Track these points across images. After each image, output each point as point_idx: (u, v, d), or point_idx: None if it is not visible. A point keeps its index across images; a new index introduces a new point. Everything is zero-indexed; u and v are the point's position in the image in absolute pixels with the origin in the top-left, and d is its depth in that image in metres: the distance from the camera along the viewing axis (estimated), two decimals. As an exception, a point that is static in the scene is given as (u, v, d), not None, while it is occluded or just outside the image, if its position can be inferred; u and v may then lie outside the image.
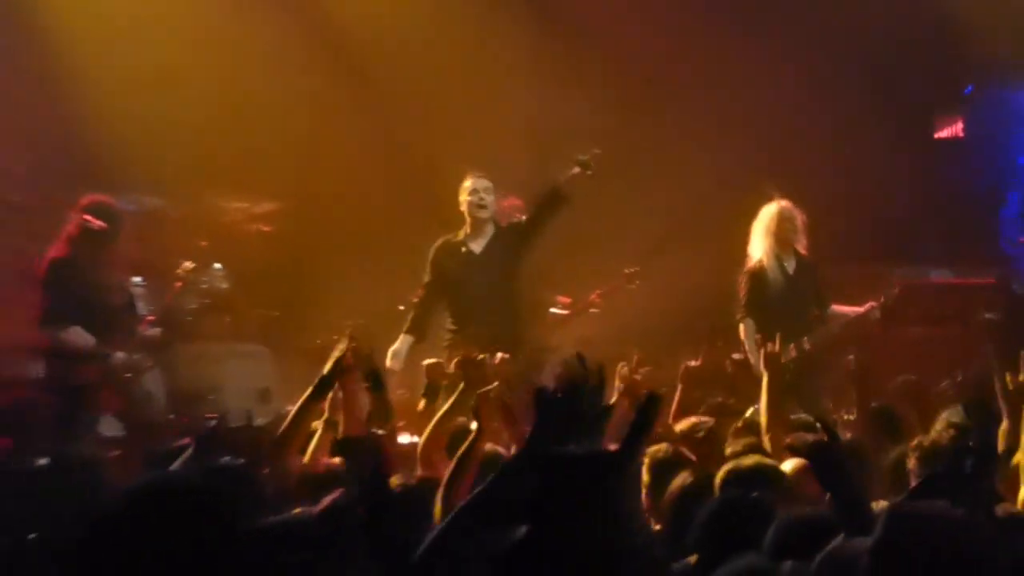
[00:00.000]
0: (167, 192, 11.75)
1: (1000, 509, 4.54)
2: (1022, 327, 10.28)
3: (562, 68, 11.87)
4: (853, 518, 3.70)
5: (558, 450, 3.14)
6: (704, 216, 11.06)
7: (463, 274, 9.06)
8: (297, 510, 4.71)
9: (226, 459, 4.94)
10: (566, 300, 10.60)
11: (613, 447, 3.22)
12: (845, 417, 9.21)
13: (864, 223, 10.99)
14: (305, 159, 12.22)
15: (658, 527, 4.96)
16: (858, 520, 3.66)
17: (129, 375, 8.86)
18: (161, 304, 9.77)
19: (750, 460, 4.92)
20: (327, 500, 4.18)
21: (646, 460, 5.20)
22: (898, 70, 11.84)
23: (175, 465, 5.03)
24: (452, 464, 4.93)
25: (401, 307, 9.52)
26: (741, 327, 9.00)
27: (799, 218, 9.05)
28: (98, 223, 8.64)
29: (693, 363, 7.06)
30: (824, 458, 3.92)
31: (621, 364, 6.17)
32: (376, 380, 5.91)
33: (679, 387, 7.00)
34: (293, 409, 5.82)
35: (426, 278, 9.18)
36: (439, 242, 9.21)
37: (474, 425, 5.35)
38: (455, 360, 6.52)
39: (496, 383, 5.73)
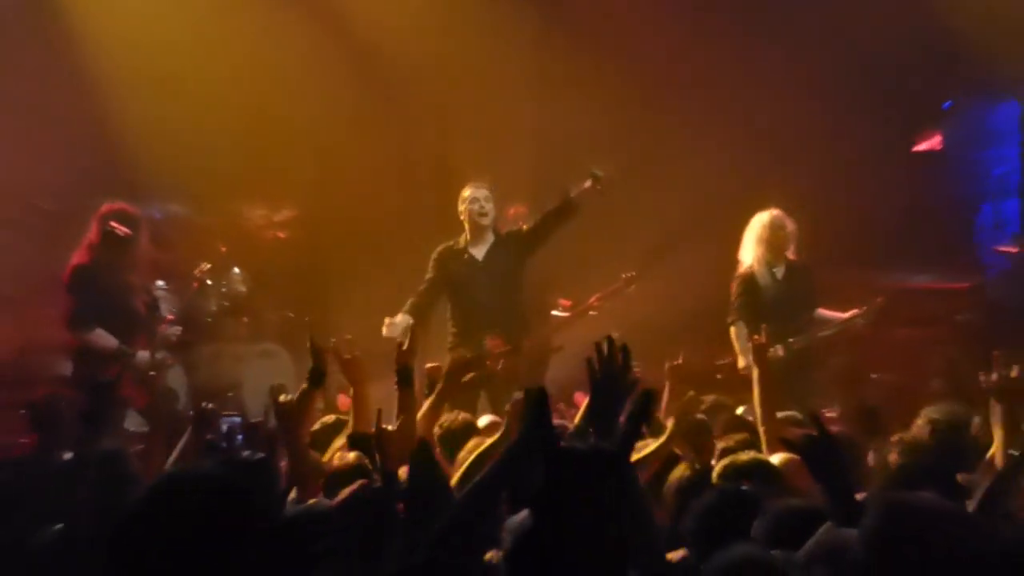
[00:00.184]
0: (191, 201, 11.79)
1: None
2: (995, 329, 10.29)
3: (565, 77, 11.86)
4: (844, 509, 3.69)
5: (563, 445, 3.11)
6: (701, 221, 11.03)
7: (467, 279, 8.99)
8: (312, 500, 4.70)
9: (247, 453, 4.91)
10: (566, 303, 10.56)
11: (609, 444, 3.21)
12: (828, 414, 9.17)
13: (850, 231, 10.98)
14: (321, 169, 12.24)
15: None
16: (849, 511, 3.65)
17: (152, 373, 8.90)
18: (181, 304, 9.85)
19: (746, 456, 4.93)
20: (347, 491, 4.15)
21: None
22: (883, 88, 11.84)
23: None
24: (465, 462, 4.90)
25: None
26: (732, 330, 8.98)
27: (789, 226, 9.02)
28: (124, 229, 8.71)
29: (678, 361, 7.03)
30: (818, 452, 3.90)
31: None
32: (406, 376, 5.73)
33: (667, 385, 6.98)
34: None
35: (429, 275, 9.12)
36: (440, 248, 9.14)
37: (483, 421, 5.32)
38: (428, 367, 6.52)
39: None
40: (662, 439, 5.00)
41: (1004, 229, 12.75)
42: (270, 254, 11.92)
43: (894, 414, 7.04)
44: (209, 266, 10.10)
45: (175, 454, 5.65)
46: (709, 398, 6.42)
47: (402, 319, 8.74)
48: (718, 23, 11.80)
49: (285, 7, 11.65)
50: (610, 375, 3.65)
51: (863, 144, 11.78)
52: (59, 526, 4.82)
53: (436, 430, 5.95)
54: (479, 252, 9.04)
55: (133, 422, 9.03)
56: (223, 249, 11.20)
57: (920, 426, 5.73)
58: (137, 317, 8.88)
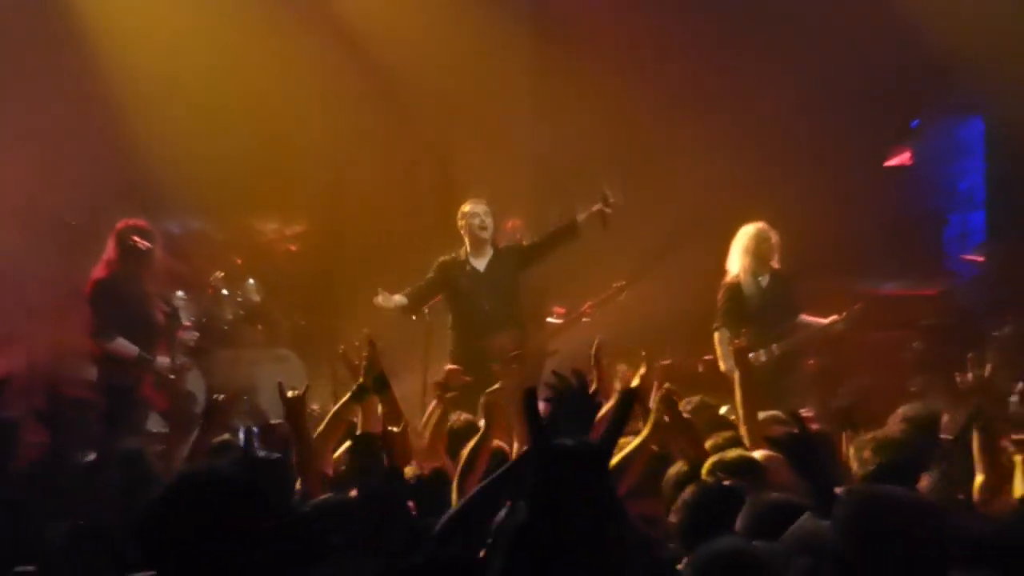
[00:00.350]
0: (209, 216, 11.82)
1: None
2: (963, 333, 10.29)
3: (562, 95, 11.88)
4: (825, 502, 3.68)
5: (554, 443, 3.09)
6: (690, 233, 11.05)
7: (470, 289, 9.01)
8: (323, 496, 4.68)
9: (263, 453, 4.90)
10: (560, 310, 10.58)
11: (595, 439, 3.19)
12: (805, 414, 9.15)
13: (829, 242, 11.01)
14: (330, 186, 12.28)
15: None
16: (830, 504, 3.64)
17: (172, 377, 8.95)
18: (199, 312, 9.93)
19: (733, 453, 4.90)
20: (361, 488, 4.12)
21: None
22: (858, 108, 11.88)
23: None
24: (462, 459, 4.89)
25: (414, 317, 9.45)
26: (716, 335, 8.97)
27: (774, 238, 9.04)
28: (143, 243, 8.74)
29: (665, 362, 7.01)
30: (800, 449, 3.89)
31: (620, 365, 6.14)
32: (381, 383, 5.76)
33: (655, 385, 6.96)
34: (331, 412, 5.80)
35: (429, 275, 9.13)
36: (443, 258, 9.15)
37: (482, 423, 5.31)
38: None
39: (498, 385, 5.68)
40: (643, 434, 4.93)
41: (970, 239, 12.80)
42: (283, 265, 11.98)
43: (868, 412, 7.02)
44: (223, 274, 10.25)
45: (189, 446, 5.61)
46: (695, 398, 6.39)
47: (399, 298, 8.82)
48: (706, 44, 11.81)
49: (300, 32, 11.68)
50: (572, 398, 3.44)
51: (840, 161, 11.81)
52: (80, 523, 4.79)
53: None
54: (480, 264, 9.06)
55: (155, 423, 9.10)
56: (238, 261, 11.28)
57: (893, 424, 5.71)
58: (156, 325, 8.94)
